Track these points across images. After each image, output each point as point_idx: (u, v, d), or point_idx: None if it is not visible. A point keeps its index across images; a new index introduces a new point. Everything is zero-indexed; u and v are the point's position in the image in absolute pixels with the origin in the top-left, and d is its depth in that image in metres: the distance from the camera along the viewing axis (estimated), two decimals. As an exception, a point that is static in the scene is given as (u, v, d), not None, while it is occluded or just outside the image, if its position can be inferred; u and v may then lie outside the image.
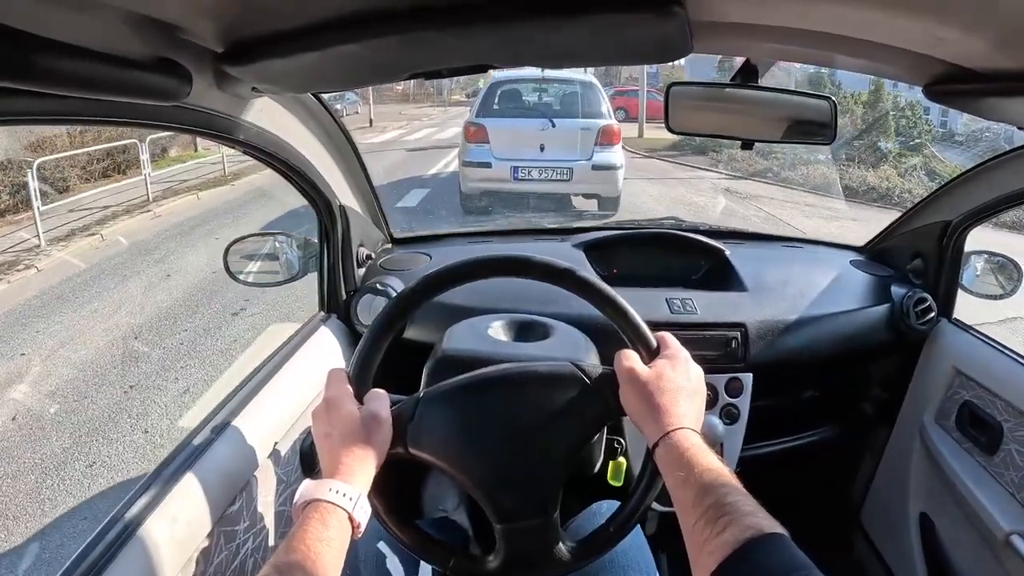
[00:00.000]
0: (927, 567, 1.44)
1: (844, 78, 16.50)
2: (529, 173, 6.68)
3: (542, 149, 6.68)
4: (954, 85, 0.79)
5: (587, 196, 7.18)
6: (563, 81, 7.60)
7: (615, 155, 6.74)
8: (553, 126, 6.78)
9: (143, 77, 0.62)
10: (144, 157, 8.83)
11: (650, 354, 0.78)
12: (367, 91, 23.95)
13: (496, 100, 7.20)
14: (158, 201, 8.61)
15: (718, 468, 0.64)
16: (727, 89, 0.98)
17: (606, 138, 6.67)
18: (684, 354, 0.78)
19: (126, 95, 0.62)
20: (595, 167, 6.65)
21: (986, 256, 1.55)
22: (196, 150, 12.43)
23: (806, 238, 1.86)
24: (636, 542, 0.96)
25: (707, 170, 12.67)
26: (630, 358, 0.76)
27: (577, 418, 0.77)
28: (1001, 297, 1.52)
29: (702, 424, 0.73)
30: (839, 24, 0.72)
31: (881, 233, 1.70)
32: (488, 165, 6.72)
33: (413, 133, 18.32)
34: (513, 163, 6.67)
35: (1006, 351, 1.35)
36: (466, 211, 7.33)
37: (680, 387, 0.74)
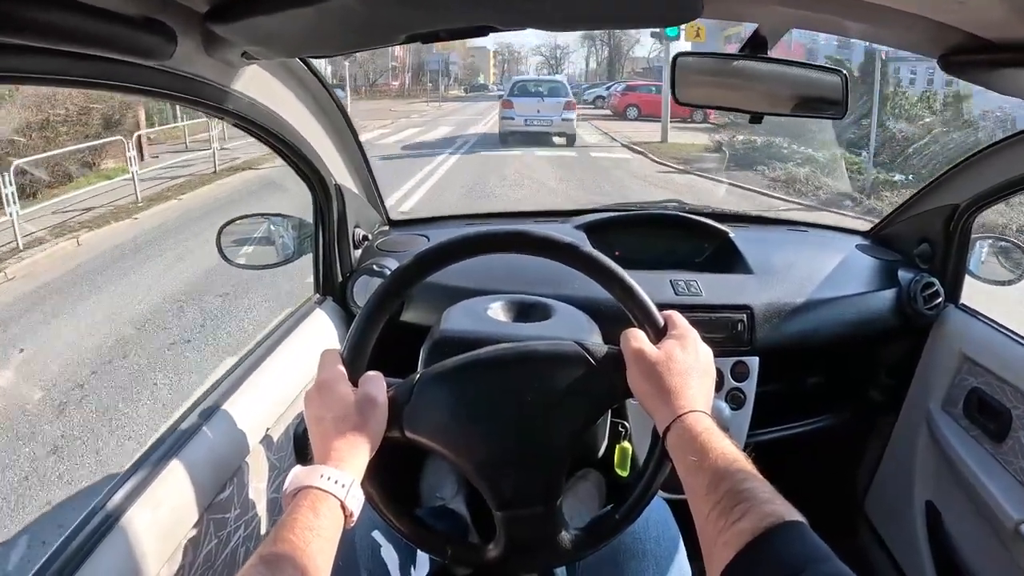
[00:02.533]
0: (933, 556, 1.43)
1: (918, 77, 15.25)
2: (532, 122, 13.81)
3: (538, 111, 13.79)
4: (969, 56, 0.77)
5: (559, 135, 13.99)
6: (548, 80, 16.48)
7: (573, 114, 14.02)
8: (543, 100, 13.91)
9: (123, 32, 0.58)
10: (7, 191, 6.11)
11: (657, 333, 0.74)
12: (345, 84, 23.41)
13: (516, 88, 14.59)
14: (32, 248, 6.10)
15: (732, 453, 0.61)
16: (736, 61, 0.95)
17: (568, 107, 13.92)
18: (693, 334, 0.75)
19: (104, 49, 0.59)
20: (563, 120, 13.82)
21: (992, 241, 1.53)
22: (143, 159, 9.85)
23: (811, 222, 1.84)
24: (669, 532, 0.93)
25: (767, 195, 9.43)
26: (638, 338, 0.73)
27: (582, 399, 0.74)
28: (1009, 283, 1.50)
29: (711, 408, 0.71)
30: (856, -13, 0.69)
31: (887, 217, 1.68)
32: (513, 119, 13.89)
33: (395, 134, 16.35)
34: (524, 117, 13.81)
35: (1015, 337, 1.33)
36: (501, 141, 14.12)
37: (690, 368, 0.70)
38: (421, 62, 39.61)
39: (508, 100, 14.05)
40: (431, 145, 14.13)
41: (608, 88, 28.90)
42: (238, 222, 1.37)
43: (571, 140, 13.78)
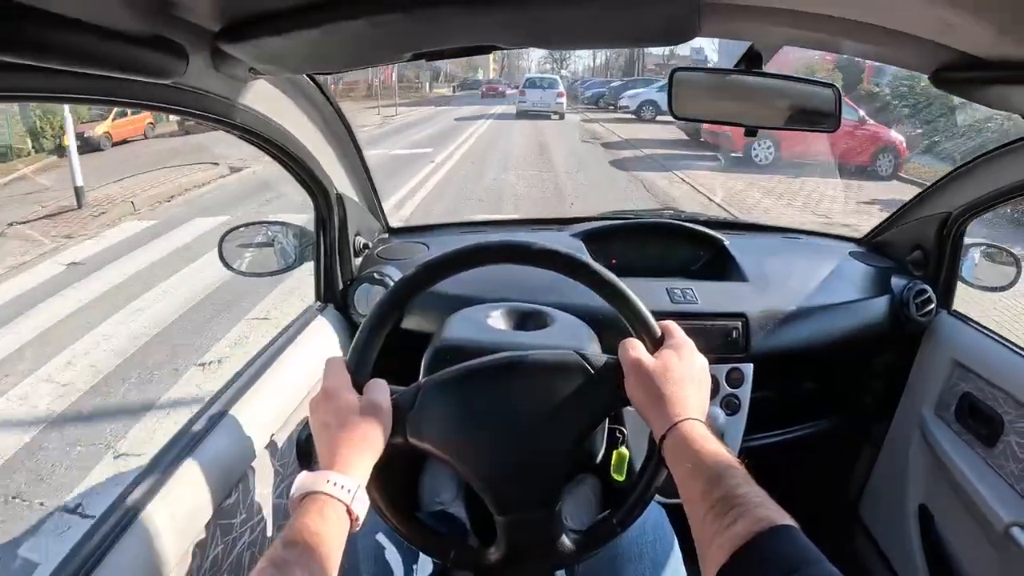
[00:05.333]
0: (926, 559, 1.44)
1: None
2: (537, 104, 20.05)
3: (541, 98, 20.09)
4: (960, 73, 0.78)
5: (555, 113, 19.67)
6: (549, 77, 22.77)
7: (563, 99, 20.15)
8: (545, 91, 20.33)
9: (137, 52, 0.60)
10: None
11: (654, 343, 0.76)
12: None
13: (527, 83, 21.55)
14: None
15: (727, 459, 0.63)
16: (731, 75, 0.97)
17: (559, 95, 20.01)
18: (689, 344, 0.77)
19: (119, 70, 0.60)
20: (556, 103, 19.85)
21: (984, 247, 1.54)
22: None
23: (805, 229, 1.85)
24: (665, 535, 0.95)
25: None
26: (635, 347, 0.75)
27: (581, 408, 0.75)
28: (1001, 289, 1.52)
29: (706, 415, 0.73)
30: (849, 8, 0.71)
31: (881, 224, 1.69)
32: (525, 102, 20.27)
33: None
34: (532, 101, 20.13)
35: (1006, 343, 1.35)
36: (518, 116, 19.72)
37: (686, 377, 0.73)
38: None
39: (523, 90, 21.24)
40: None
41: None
42: (240, 229, 1.38)
43: (561, 116, 19.89)
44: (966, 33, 0.69)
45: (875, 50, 0.85)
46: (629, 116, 20.29)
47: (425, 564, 0.95)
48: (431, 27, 0.65)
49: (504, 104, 25.93)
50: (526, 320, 1.20)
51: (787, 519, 0.55)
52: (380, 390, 0.73)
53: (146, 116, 13.81)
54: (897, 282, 1.49)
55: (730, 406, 1.37)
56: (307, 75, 1.07)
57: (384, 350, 0.77)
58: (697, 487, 0.62)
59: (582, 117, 21.32)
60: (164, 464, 0.85)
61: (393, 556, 0.92)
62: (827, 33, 0.79)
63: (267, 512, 1.03)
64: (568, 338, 1.11)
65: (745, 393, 1.37)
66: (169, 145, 13.00)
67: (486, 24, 0.67)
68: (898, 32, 0.72)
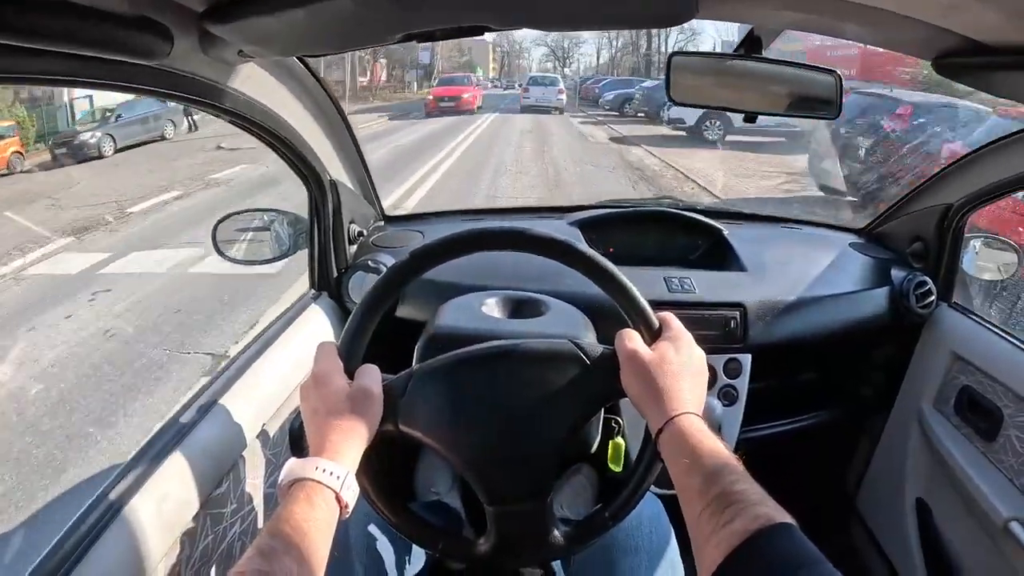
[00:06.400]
0: (924, 553, 1.44)
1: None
2: (540, 99, 21.98)
3: (543, 94, 22.24)
4: (963, 59, 0.77)
5: (555, 108, 21.69)
6: (550, 75, 27.48)
7: (563, 95, 22.48)
8: (546, 88, 22.82)
9: (121, 33, 0.59)
10: None
11: (652, 334, 0.75)
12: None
13: (530, 80, 24.57)
14: None
15: (724, 455, 0.62)
16: (730, 61, 0.95)
17: (560, 92, 22.49)
18: (687, 336, 0.75)
19: (100, 50, 0.59)
20: (556, 99, 22.04)
21: (983, 239, 1.53)
22: None
23: (804, 219, 1.84)
24: (661, 528, 0.94)
25: None
26: (632, 338, 0.73)
27: (575, 398, 0.74)
28: (1002, 282, 1.51)
29: (703, 409, 0.71)
30: (850, -11, 0.69)
31: (881, 215, 1.68)
32: (529, 98, 22.25)
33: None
34: (535, 97, 22.16)
35: (1006, 336, 1.33)
36: (522, 110, 21.80)
37: (683, 370, 0.71)
38: (388, 52, 27.66)
39: (526, 87, 23.62)
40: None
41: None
42: (234, 217, 1.37)
43: (560, 111, 21.91)
44: (971, 17, 0.68)
45: (876, 34, 0.84)
46: (679, 132, 12.92)
47: (418, 556, 0.94)
48: (420, 7, 0.64)
49: (487, 115, 20.80)
50: (521, 308, 1.19)
51: (786, 517, 0.54)
52: (371, 376, 0.72)
53: (10, 144, 11.25)
54: (897, 274, 1.48)
55: (728, 397, 1.36)
56: (298, 59, 1.05)
57: (378, 338, 0.75)
58: (694, 483, 0.60)
59: (609, 133, 14.45)
60: (151, 455, 0.84)
61: (385, 547, 0.91)
62: (827, 16, 0.77)
63: (258, 502, 1.02)
64: (563, 326, 1.10)
65: (743, 384, 1.36)
66: (34, 183, 9.83)
67: (478, 5, 0.65)
68: (900, 15, 0.71)
